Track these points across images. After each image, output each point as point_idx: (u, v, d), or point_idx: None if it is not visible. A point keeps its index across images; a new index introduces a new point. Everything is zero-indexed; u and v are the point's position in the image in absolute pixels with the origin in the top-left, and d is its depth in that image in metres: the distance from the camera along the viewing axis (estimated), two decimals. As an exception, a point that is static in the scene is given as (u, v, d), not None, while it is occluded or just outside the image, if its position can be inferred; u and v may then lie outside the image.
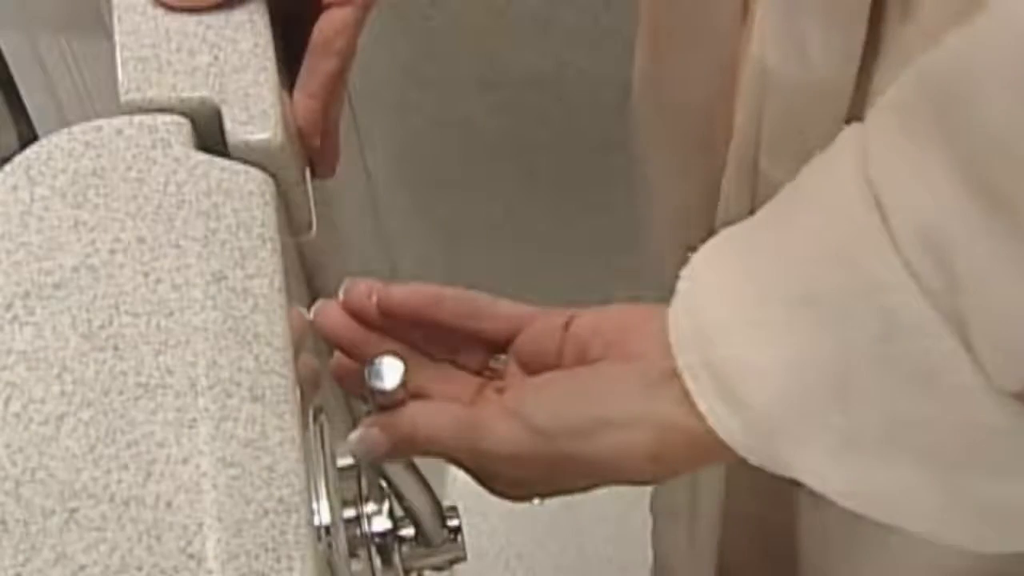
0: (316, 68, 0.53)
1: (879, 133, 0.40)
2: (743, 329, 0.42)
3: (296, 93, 0.54)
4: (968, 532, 0.43)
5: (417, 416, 0.49)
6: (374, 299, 0.51)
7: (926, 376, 0.39)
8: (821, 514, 0.65)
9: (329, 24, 0.53)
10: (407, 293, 0.51)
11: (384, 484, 0.53)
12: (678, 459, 0.46)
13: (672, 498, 0.79)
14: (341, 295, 0.52)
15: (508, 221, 1.26)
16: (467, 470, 0.51)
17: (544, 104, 1.17)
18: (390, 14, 1.05)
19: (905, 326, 0.39)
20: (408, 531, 0.55)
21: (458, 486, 1.37)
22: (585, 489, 0.50)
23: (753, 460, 0.44)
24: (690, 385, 0.44)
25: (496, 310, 0.52)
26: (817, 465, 0.42)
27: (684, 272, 0.45)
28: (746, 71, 0.52)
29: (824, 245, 0.41)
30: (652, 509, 0.85)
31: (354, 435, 0.49)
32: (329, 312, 0.52)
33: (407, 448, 0.49)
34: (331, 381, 0.58)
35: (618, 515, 1.31)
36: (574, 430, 0.47)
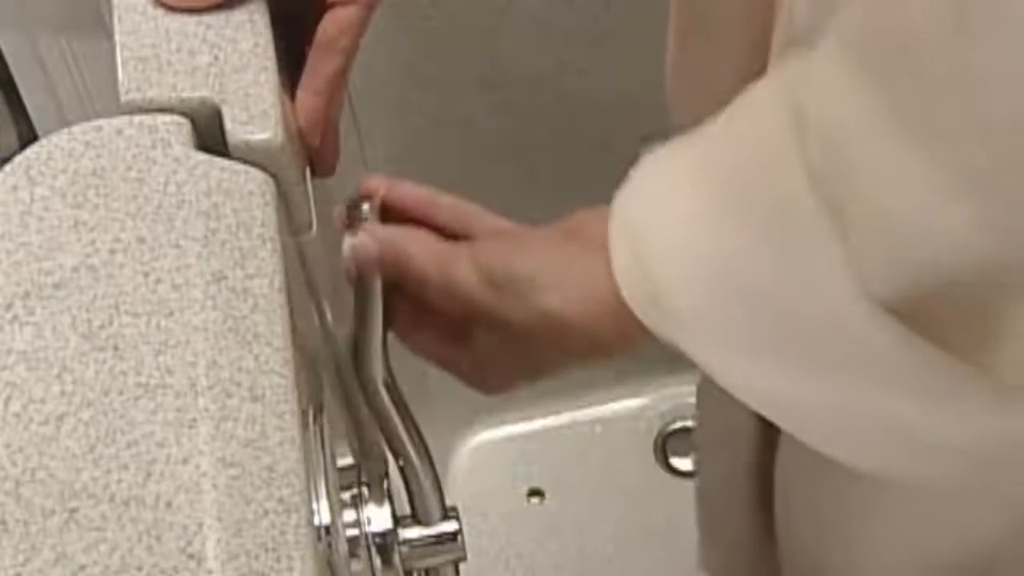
0: (320, 67, 0.54)
1: (821, 52, 0.42)
2: (666, 221, 0.46)
3: (299, 91, 0.54)
4: (862, 452, 0.46)
5: (404, 234, 0.55)
6: (382, 192, 0.57)
7: (804, 272, 0.41)
8: (813, 488, 0.66)
9: (334, 23, 0.53)
10: (408, 189, 0.58)
11: (386, 448, 0.55)
12: (584, 319, 0.50)
13: (712, 433, 0.82)
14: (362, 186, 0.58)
15: (508, 221, 1.26)
16: (442, 360, 0.56)
17: (544, 104, 1.17)
18: (390, 14, 1.05)
19: (794, 216, 0.41)
20: (408, 532, 0.55)
21: (458, 486, 1.38)
22: (535, 369, 0.54)
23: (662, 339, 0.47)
24: (612, 245, 0.47)
25: (483, 219, 0.57)
26: (711, 356, 0.46)
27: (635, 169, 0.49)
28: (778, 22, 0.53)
29: (743, 142, 0.44)
30: (695, 441, 0.88)
31: (346, 243, 0.55)
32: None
33: (392, 260, 0.54)
34: (332, 381, 0.58)
35: (618, 515, 1.31)
36: (511, 279, 0.51)
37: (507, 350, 0.54)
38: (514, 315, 0.51)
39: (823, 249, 0.40)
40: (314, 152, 0.55)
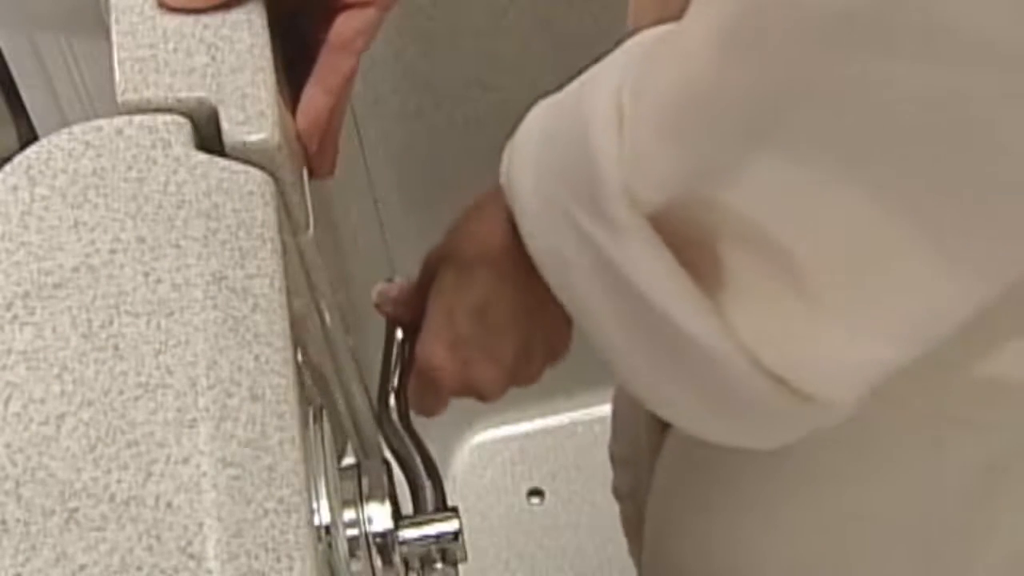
0: (335, 66, 0.54)
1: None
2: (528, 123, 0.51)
3: (310, 89, 0.54)
4: (630, 372, 0.48)
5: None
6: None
7: (589, 170, 0.44)
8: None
9: (349, 24, 0.53)
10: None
11: (387, 449, 0.59)
12: (481, 201, 0.58)
13: (623, 448, 0.91)
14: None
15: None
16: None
17: (544, 104, 1.17)
18: (391, 14, 1.05)
19: (595, 120, 0.44)
20: (408, 532, 0.55)
21: (458, 486, 1.38)
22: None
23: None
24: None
25: None
26: (538, 253, 0.50)
27: None
28: None
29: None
30: (610, 458, 0.95)
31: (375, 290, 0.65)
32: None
33: (405, 293, 0.64)
34: (336, 381, 0.58)
35: (618, 515, 1.31)
36: (458, 219, 0.60)
37: (451, 291, 0.59)
38: (452, 235, 0.60)
39: (606, 149, 0.43)
40: (315, 152, 0.55)
